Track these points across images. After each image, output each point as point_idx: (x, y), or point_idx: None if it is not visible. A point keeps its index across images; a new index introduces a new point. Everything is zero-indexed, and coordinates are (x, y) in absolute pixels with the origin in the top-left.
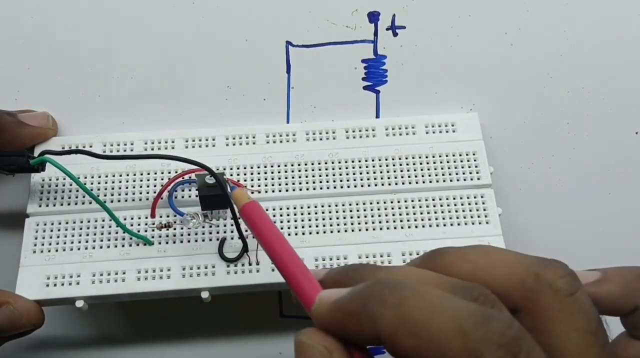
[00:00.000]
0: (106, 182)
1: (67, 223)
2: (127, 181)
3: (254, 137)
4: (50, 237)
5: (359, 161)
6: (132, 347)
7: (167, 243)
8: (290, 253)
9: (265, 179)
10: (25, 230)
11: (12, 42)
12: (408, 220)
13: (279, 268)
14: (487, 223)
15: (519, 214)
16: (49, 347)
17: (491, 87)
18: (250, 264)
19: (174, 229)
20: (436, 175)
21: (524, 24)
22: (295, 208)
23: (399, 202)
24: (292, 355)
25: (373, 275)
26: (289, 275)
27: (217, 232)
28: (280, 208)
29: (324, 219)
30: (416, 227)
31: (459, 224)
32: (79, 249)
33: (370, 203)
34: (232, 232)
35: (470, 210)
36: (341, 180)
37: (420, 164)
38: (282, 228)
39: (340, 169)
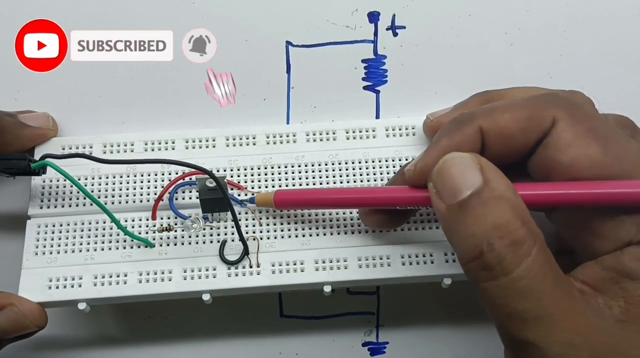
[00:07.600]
0: (107, 184)
1: (68, 225)
2: (128, 183)
3: (254, 138)
4: (52, 239)
5: (359, 162)
6: (133, 347)
7: (168, 245)
8: (348, 194)
9: (266, 181)
10: (26, 232)
11: (12, 42)
12: (408, 222)
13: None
14: None
15: None
16: (50, 347)
17: (491, 87)
18: (251, 267)
19: (175, 231)
20: None
21: (524, 24)
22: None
23: None
24: (292, 355)
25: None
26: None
27: (218, 235)
28: (281, 210)
29: (324, 221)
30: (416, 229)
31: None
32: (80, 251)
33: None
34: (232, 234)
35: None
36: (341, 182)
37: None
38: (282, 231)
39: (340, 170)
